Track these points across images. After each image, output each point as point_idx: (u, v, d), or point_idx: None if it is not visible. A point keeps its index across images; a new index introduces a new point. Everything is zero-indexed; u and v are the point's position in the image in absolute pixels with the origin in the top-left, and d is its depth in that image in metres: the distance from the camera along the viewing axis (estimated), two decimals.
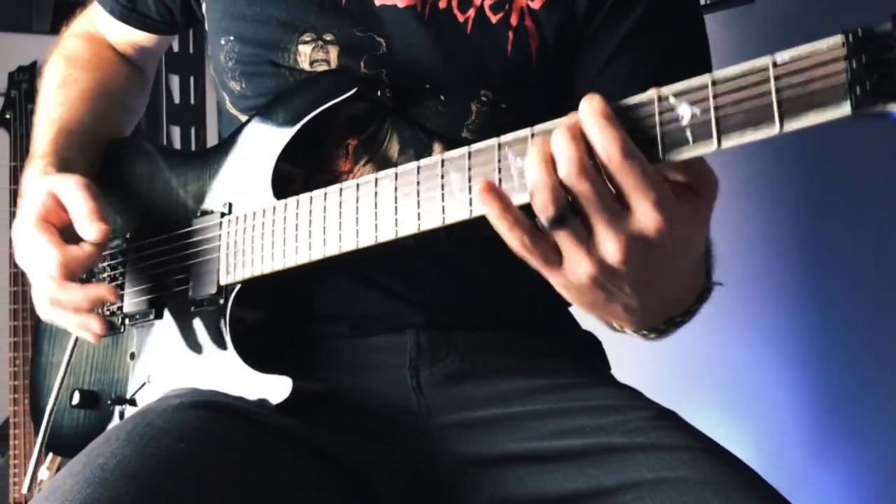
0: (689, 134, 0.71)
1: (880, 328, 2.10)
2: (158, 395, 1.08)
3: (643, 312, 0.85)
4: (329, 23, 1.07)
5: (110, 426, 1.11)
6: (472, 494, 1.01)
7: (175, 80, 3.54)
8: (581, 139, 0.73)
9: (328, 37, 1.07)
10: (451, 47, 1.06)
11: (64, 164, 1.15)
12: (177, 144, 3.52)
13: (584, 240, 0.74)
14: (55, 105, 1.25)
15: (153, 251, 1.15)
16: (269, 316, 1.09)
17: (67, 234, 1.06)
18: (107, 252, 1.20)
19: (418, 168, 0.86)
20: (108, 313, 1.18)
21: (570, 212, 0.73)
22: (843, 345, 2.17)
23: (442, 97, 1.06)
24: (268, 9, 1.09)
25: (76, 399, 1.16)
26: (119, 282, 1.18)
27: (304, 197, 0.99)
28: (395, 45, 1.06)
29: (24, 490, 1.20)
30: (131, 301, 1.16)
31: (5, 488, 2.73)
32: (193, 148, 3.47)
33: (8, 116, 3.01)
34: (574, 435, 1.00)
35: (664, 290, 0.84)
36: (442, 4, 1.06)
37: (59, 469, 1.14)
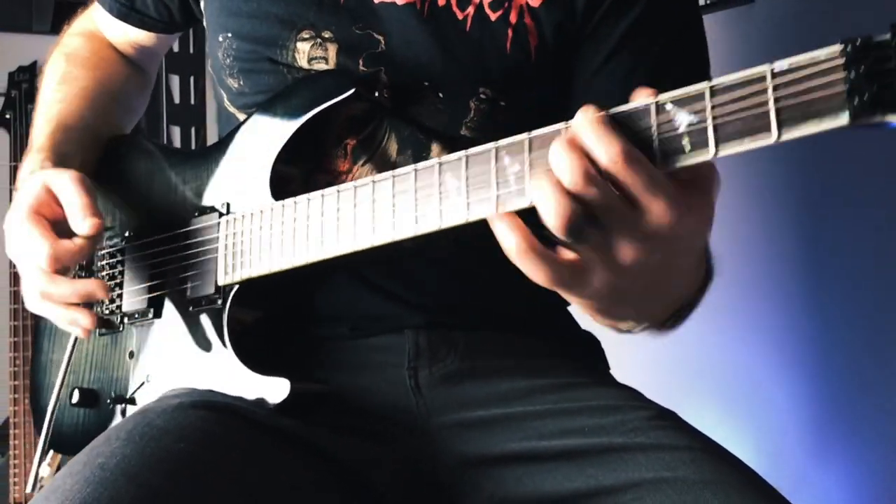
0: (685, 142, 0.70)
1: (880, 328, 2.10)
2: (157, 394, 1.08)
3: (653, 309, 0.85)
4: (328, 20, 1.07)
5: (110, 425, 1.11)
6: (471, 494, 1.01)
7: (175, 80, 3.54)
8: (580, 148, 0.72)
9: (327, 34, 1.07)
10: (450, 45, 1.06)
11: (61, 158, 1.14)
12: (177, 144, 3.52)
13: (602, 248, 0.74)
14: (54, 101, 1.25)
15: (152, 250, 1.15)
16: (268, 316, 1.09)
17: (60, 228, 1.05)
18: (106, 250, 1.20)
19: (415, 172, 0.86)
20: (107, 312, 1.18)
21: (584, 221, 0.72)
22: (843, 345, 2.17)
23: (441, 95, 1.06)
24: (266, 5, 1.09)
25: (76, 397, 1.16)
26: (118, 280, 1.18)
27: (302, 199, 0.99)
28: (394, 43, 1.06)
29: (28, 489, 1.21)
30: (130, 300, 1.16)
31: (5, 488, 2.73)
32: (193, 148, 3.47)
33: (8, 116, 3.01)
34: (573, 435, 1.00)
35: (673, 284, 0.84)
36: (441, 2, 1.06)
37: (59, 467, 1.14)
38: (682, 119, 0.70)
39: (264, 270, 1.02)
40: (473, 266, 1.10)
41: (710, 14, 2.35)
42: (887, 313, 2.08)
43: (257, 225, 1.03)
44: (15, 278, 2.64)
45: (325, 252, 0.95)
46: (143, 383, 1.12)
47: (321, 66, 1.08)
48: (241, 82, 1.13)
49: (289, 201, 1.00)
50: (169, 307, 1.11)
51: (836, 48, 0.65)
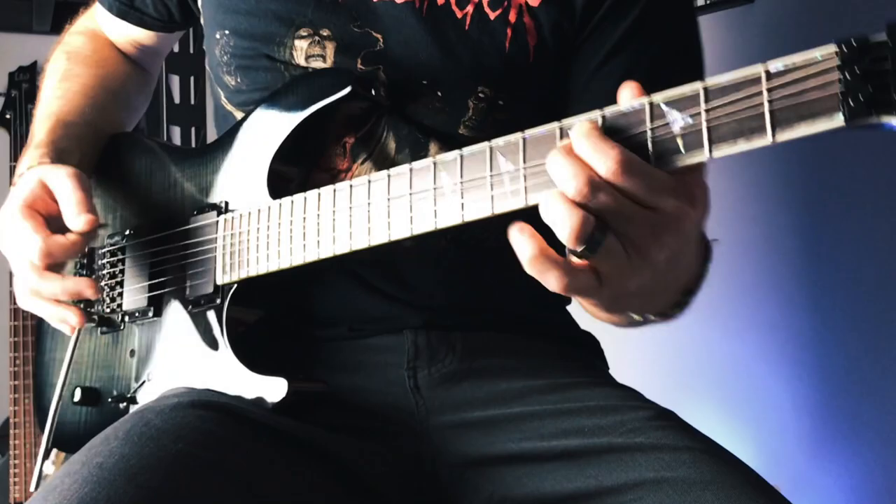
0: (680, 143, 0.70)
1: (880, 328, 2.10)
2: (158, 393, 1.08)
3: (659, 300, 0.85)
4: (326, 18, 1.07)
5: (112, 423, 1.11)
6: (471, 494, 1.01)
7: (175, 80, 3.54)
8: (580, 156, 0.71)
9: (325, 32, 1.07)
10: (448, 43, 1.06)
11: (59, 154, 1.14)
12: (177, 144, 3.52)
13: (621, 252, 0.73)
14: (54, 98, 1.25)
15: (152, 248, 1.14)
16: (267, 316, 1.09)
17: (54, 224, 1.05)
18: (107, 248, 1.20)
19: (411, 171, 0.86)
20: (107, 311, 1.18)
21: (599, 231, 0.71)
22: (842, 345, 2.17)
23: (439, 93, 1.06)
24: (264, 2, 1.09)
25: (78, 396, 1.16)
26: (119, 279, 1.18)
27: (299, 198, 0.99)
28: (393, 42, 1.06)
29: (32, 488, 1.21)
30: (130, 298, 1.16)
31: (5, 488, 2.73)
32: (194, 146, 3.47)
33: (8, 116, 3.01)
34: (573, 435, 1.00)
35: (678, 274, 0.84)
36: (440, 1, 1.06)
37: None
38: (677, 119, 0.70)
39: (262, 270, 1.02)
40: (472, 266, 1.10)
41: (710, 14, 2.36)
42: (887, 313, 2.08)
43: (255, 224, 1.03)
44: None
45: (322, 252, 0.95)
46: (143, 382, 1.12)
47: (319, 64, 1.08)
48: (239, 80, 1.13)
49: (286, 200, 1.00)
50: (169, 306, 1.11)
51: (832, 49, 0.64)
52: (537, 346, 1.13)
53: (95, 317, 1.18)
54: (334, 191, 0.94)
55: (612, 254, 0.72)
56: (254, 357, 1.03)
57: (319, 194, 0.96)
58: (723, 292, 2.31)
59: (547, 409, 1.03)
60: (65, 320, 1.08)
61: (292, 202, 0.99)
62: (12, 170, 2.85)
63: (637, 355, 1.94)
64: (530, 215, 0.75)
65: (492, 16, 1.06)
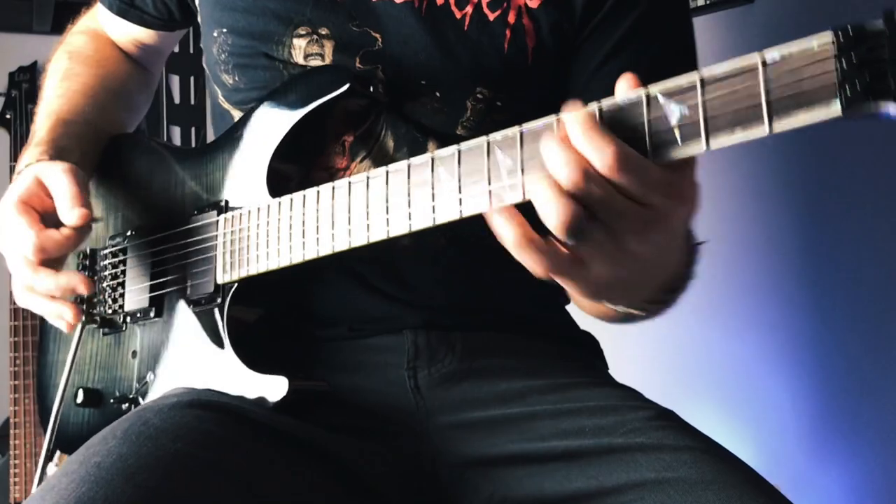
0: (677, 134, 0.69)
1: (880, 328, 2.10)
2: (159, 393, 1.08)
3: (645, 291, 0.85)
4: (324, 16, 1.07)
5: None
6: (471, 495, 1.01)
7: (175, 80, 3.54)
8: (575, 148, 0.71)
9: (323, 31, 1.07)
10: (447, 44, 1.06)
11: (59, 152, 1.14)
12: (177, 144, 3.52)
13: (606, 243, 0.73)
14: (55, 97, 1.26)
15: (154, 248, 1.15)
16: (267, 315, 1.09)
17: (50, 221, 1.05)
18: (109, 249, 1.20)
19: (409, 167, 0.86)
20: (109, 311, 1.18)
21: (587, 221, 0.71)
22: (842, 345, 2.17)
23: (437, 94, 1.06)
24: (262, 0, 1.09)
25: (80, 397, 1.16)
26: (121, 280, 1.18)
27: (298, 196, 0.99)
28: (391, 41, 1.06)
29: (34, 490, 1.20)
30: (132, 299, 1.16)
31: (6, 488, 2.73)
32: (194, 146, 3.47)
33: (8, 116, 3.01)
34: (574, 436, 1.00)
35: (664, 267, 0.84)
36: (439, 1, 1.06)
37: None
38: (674, 111, 0.69)
39: (262, 269, 1.02)
40: (472, 266, 1.10)
41: (710, 14, 2.35)
42: (887, 313, 2.08)
43: (254, 222, 1.03)
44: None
45: (321, 249, 0.95)
46: (145, 382, 1.12)
47: (317, 63, 1.08)
48: (237, 78, 1.13)
49: (285, 198, 1.00)
50: (170, 306, 1.12)
51: (828, 37, 0.64)
52: (537, 346, 1.13)
53: (97, 318, 1.18)
54: (333, 188, 0.94)
55: (597, 244, 0.73)
56: (254, 356, 1.03)
57: (318, 192, 0.96)
58: (723, 292, 2.31)
59: (547, 409, 1.03)
60: (61, 316, 1.08)
61: (291, 200, 0.99)
62: (12, 170, 2.85)
63: (637, 355, 1.94)
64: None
65: (491, 17, 1.06)
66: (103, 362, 1.18)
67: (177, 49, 3.47)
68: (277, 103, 1.06)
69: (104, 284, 1.20)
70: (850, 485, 2.14)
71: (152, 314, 1.12)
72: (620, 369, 1.20)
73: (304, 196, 0.98)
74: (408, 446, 1.03)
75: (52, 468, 1.19)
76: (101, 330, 1.19)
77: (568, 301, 1.20)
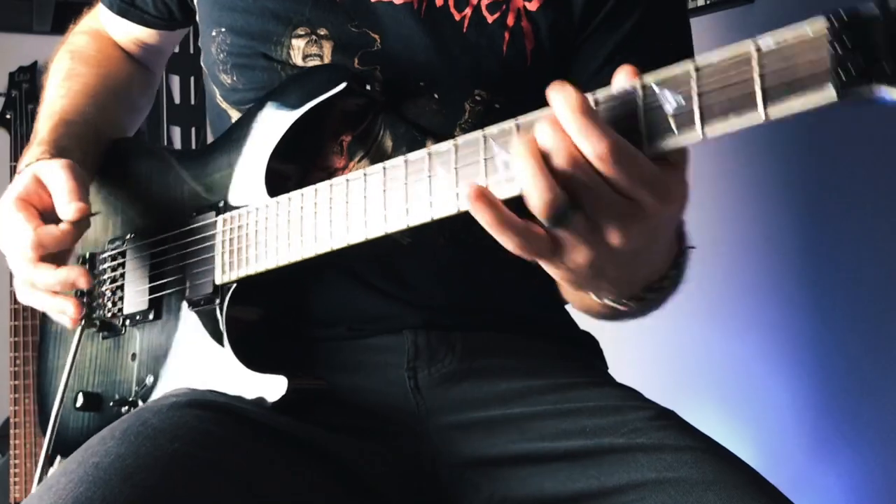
0: (672, 123, 0.69)
1: (880, 328, 2.11)
2: (159, 395, 1.08)
3: (630, 284, 0.85)
4: (323, 17, 1.07)
5: None
6: (471, 495, 1.01)
7: (175, 80, 3.54)
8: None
9: (322, 31, 1.07)
10: (446, 45, 1.05)
11: (61, 152, 1.14)
12: (177, 144, 3.52)
13: (585, 232, 0.73)
14: (57, 97, 1.26)
15: (153, 251, 1.15)
16: (267, 316, 1.09)
17: (49, 218, 1.05)
18: (108, 253, 1.20)
19: (406, 162, 0.86)
20: (108, 315, 1.18)
21: (569, 208, 0.71)
22: (842, 345, 2.17)
23: (436, 95, 1.06)
24: (261, 0, 1.09)
25: (80, 401, 1.16)
26: (120, 283, 1.18)
27: (296, 194, 0.99)
28: (390, 42, 1.06)
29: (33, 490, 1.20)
30: (131, 301, 1.16)
31: (6, 488, 2.73)
32: (193, 148, 3.47)
33: (8, 116, 3.01)
34: (574, 436, 1.00)
35: (652, 260, 0.84)
36: (439, 2, 1.06)
37: None
38: (669, 99, 0.69)
39: (261, 268, 1.02)
40: (472, 266, 1.10)
41: (710, 14, 2.36)
42: (887, 313, 2.08)
43: (253, 222, 1.03)
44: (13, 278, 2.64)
45: (319, 247, 0.95)
46: (145, 385, 1.12)
47: (316, 64, 1.08)
48: (234, 78, 1.13)
49: (283, 197, 1.00)
50: (169, 308, 1.11)
51: (822, 23, 0.64)
52: (537, 346, 1.13)
53: (97, 322, 1.18)
54: (331, 186, 0.94)
55: (577, 230, 0.73)
56: (254, 356, 1.03)
57: (316, 190, 0.96)
58: (723, 292, 2.31)
59: (547, 409, 1.03)
60: (64, 312, 1.07)
61: (289, 199, 0.99)
62: (12, 170, 2.85)
63: (637, 355, 1.94)
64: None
65: (490, 19, 1.06)
66: (103, 366, 1.18)
67: (177, 49, 3.46)
68: (275, 103, 1.06)
69: (103, 288, 1.20)
70: (850, 485, 2.14)
71: (151, 316, 1.12)
72: (620, 369, 1.20)
73: (302, 194, 0.98)
74: (408, 446, 1.03)
75: (52, 472, 1.19)
76: (100, 334, 1.19)
77: (567, 301, 1.20)
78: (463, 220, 0.80)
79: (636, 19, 1.06)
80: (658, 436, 0.97)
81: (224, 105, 1.17)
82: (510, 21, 1.05)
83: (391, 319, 1.08)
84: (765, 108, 0.65)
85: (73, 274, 1.05)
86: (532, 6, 1.06)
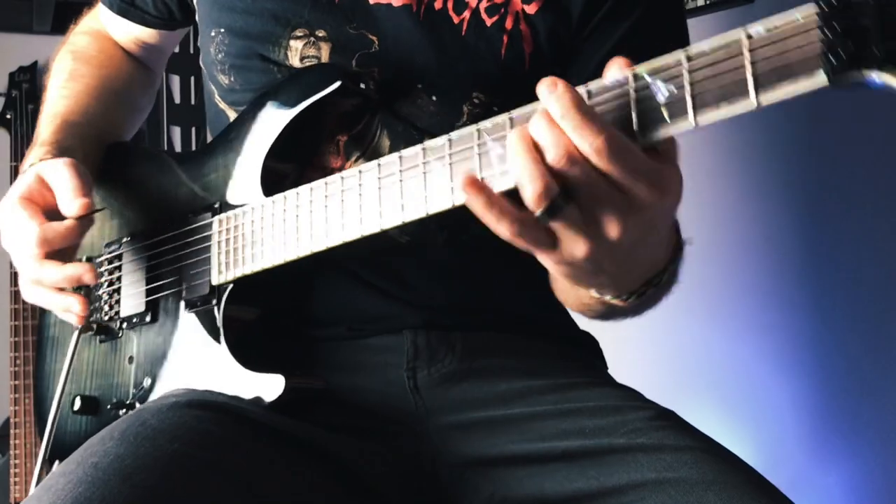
0: (665, 112, 0.69)
1: (880, 328, 2.11)
2: (156, 398, 1.08)
3: (627, 278, 0.85)
4: (322, 18, 1.07)
5: None
6: (471, 494, 1.01)
7: (175, 80, 3.54)
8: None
9: (321, 33, 1.07)
10: (444, 48, 1.05)
11: (63, 152, 1.14)
12: (177, 144, 3.52)
13: (580, 224, 0.73)
14: (59, 98, 1.26)
15: (149, 253, 1.15)
16: (264, 316, 1.09)
17: (52, 216, 1.05)
18: (105, 256, 1.20)
19: (400, 158, 0.86)
20: (106, 318, 1.18)
21: (562, 200, 0.71)
22: (842, 345, 2.17)
23: (434, 97, 1.06)
24: (260, 1, 1.09)
25: (77, 405, 1.16)
26: (116, 286, 1.18)
27: (291, 193, 0.99)
28: (388, 44, 1.06)
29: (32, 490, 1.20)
30: (128, 304, 1.16)
31: (5, 488, 2.73)
32: (194, 148, 3.47)
33: (8, 116, 3.01)
34: (574, 436, 1.00)
35: (647, 254, 0.84)
36: (437, 5, 1.06)
37: None
38: (661, 89, 0.69)
39: (257, 268, 1.01)
40: (471, 266, 1.10)
41: (710, 14, 2.35)
42: (887, 313, 2.08)
43: (249, 221, 1.03)
44: (15, 278, 2.64)
45: (315, 245, 0.95)
46: (142, 388, 1.12)
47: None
48: (232, 79, 1.13)
49: (278, 196, 1.00)
50: (166, 309, 1.11)
51: (812, 8, 0.64)
52: (537, 346, 1.13)
53: (94, 325, 1.18)
54: (325, 183, 0.94)
55: (571, 222, 0.73)
56: (252, 356, 1.03)
57: (311, 188, 0.96)
58: (723, 292, 2.31)
59: (547, 409, 1.03)
60: (69, 308, 1.07)
61: (285, 198, 0.99)
62: (13, 170, 2.85)
63: (637, 355, 1.94)
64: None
65: (488, 22, 1.06)
66: (100, 369, 1.18)
67: (177, 49, 3.46)
68: (271, 103, 1.06)
69: (100, 291, 1.19)
70: (850, 485, 2.14)
71: (148, 318, 1.12)
72: (620, 369, 1.20)
73: (298, 193, 0.98)
74: (408, 446, 1.03)
75: (50, 473, 1.19)
76: (97, 337, 1.19)
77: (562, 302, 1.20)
78: (462, 220, 0.80)
79: (634, 20, 1.06)
80: (658, 436, 0.97)
81: (222, 105, 1.17)
82: (509, 24, 1.05)
83: (391, 319, 1.08)
84: (757, 95, 0.65)
85: (79, 269, 1.05)
86: (531, 9, 1.06)
